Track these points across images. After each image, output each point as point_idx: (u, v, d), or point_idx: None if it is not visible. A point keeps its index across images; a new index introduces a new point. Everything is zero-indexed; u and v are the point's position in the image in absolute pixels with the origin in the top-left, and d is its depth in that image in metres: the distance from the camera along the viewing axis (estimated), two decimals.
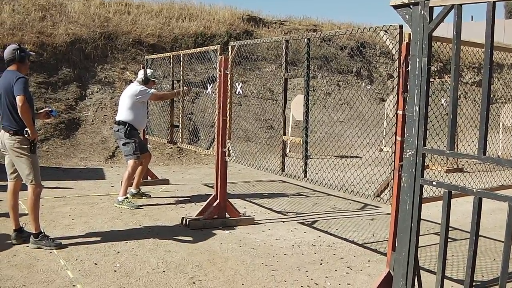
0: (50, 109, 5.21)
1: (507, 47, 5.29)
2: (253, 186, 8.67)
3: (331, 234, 5.70)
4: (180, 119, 7.15)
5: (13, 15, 12.19)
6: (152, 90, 7.05)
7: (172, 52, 8.03)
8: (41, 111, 5.22)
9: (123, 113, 6.84)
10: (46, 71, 11.50)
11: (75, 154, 10.35)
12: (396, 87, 3.54)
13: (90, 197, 7.18)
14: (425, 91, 3.12)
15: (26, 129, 4.65)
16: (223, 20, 15.48)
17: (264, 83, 14.39)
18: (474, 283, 3.05)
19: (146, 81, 7.04)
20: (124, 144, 6.82)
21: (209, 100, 7.44)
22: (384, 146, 11.08)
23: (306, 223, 6.20)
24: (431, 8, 3.06)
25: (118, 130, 6.84)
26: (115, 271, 4.28)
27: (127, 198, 6.69)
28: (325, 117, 12.00)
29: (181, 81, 7.13)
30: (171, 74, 7.51)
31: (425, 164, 3.25)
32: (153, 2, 15.55)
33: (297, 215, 6.60)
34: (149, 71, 7.28)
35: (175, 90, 7.32)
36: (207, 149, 6.63)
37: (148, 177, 8.21)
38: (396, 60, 3.56)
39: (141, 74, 7.15)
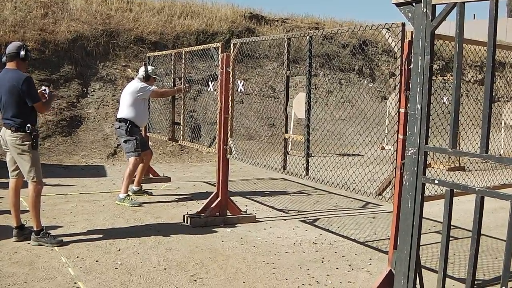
0: (44, 89, 5.22)
1: (509, 45, 5.28)
2: (255, 184, 8.66)
3: (332, 232, 5.70)
4: (182, 116, 7.15)
5: (15, 12, 12.19)
6: (153, 87, 7.04)
7: (174, 50, 8.03)
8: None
9: (124, 110, 6.84)
10: (48, 68, 11.50)
11: (76, 152, 10.36)
12: (398, 85, 3.53)
13: (92, 195, 7.19)
14: (427, 89, 3.11)
15: (28, 125, 4.66)
16: (225, 17, 15.47)
17: (266, 81, 14.38)
18: (475, 282, 3.04)
19: (147, 78, 7.04)
20: (125, 141, 6.82)
21: (211, 98, 7.44)
22: (386, 144, 11.06)
23: (307, 221, 6.19)
24: (434, 6, 3.05)
25: (119, 127, 6.84)
26: (116, 268, 4.29)
27: (128, 195, 6.70)
28: (327, 115, 11.98)
29: (182, 79, 7.13)
30: (172, 71, 7.51)
31: (427, 163, 3.24)
32: (155, 0, 15.55)
33: (299, 213, 6.59)
34: (149, 68, 7.27)
35: (176, 88, 7.33)
36: (209, 146, 6.63)
37: (150, 174, 8.21)
38: (398, 58, 3.55)
39: (141, 71, 7.15)
